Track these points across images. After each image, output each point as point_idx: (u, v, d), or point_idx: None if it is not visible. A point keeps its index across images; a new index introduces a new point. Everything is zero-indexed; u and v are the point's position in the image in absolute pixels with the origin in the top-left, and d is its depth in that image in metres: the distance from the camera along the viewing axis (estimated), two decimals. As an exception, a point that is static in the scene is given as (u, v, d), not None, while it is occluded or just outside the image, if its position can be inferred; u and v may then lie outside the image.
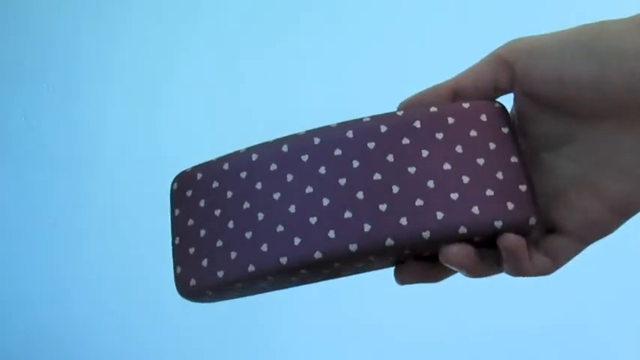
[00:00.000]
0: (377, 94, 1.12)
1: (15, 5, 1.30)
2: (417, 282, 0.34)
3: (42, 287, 1.31)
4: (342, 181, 0.33)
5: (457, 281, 0.67)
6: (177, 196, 0.37)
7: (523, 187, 0.32)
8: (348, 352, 1.13)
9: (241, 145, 1.17)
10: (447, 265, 0.32)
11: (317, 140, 0.34)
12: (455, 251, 0.31)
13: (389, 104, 1.11)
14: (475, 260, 0.31)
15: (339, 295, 1.14)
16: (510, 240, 0.31)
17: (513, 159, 0.32)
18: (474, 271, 0.32)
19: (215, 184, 0.35)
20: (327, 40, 1.14)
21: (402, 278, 0.33)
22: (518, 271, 0.32)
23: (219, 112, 1.21)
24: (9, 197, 1.32)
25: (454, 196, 0.32)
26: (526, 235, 0.32)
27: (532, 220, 0.31)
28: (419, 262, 0.34)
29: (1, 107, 1.32)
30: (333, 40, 1.14)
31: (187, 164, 1.25)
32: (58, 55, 1.29)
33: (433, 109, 0.34)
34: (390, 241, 0.31)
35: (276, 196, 0.33)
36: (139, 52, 1.26)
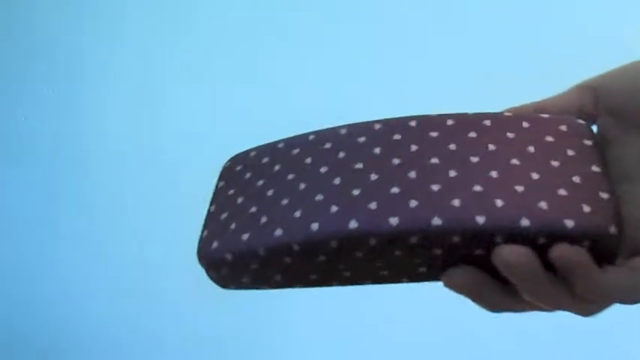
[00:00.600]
0: (379, 95, 1.07)
1: (15, 5, 1.32)
2: (467, 291, 0.28)
3: (43, 287, 1.27)
4: (396, 161, 0.30)
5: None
6: (226, 172, 0.35)
7: (605, 195, 0.27)
8: (352, 353, 1.02)
9: (242, 144, 1.12)
10: (502, 267, 0.27)
11: (378, 126, 0.32)
12: (514, 249, 0.26)
13: (393, 105, 1.06)
14: (537, 269, 0.26)
15: (344, 296, 1.03)
16: (565, 250, 0.26)
17: (595, 168, 0.29)
18: (536, 289, 0.26)
19: (265, 160, 0.34)
20: (328, 40, 1.11)
21: (450, 277, 0.28)
22: (587, 293, 0.26)
23: (220, 112, 1.18)
24: (8, 197, 1.30)
25: (519, 188, 0.28)
26: (606, 253, 0.27)
27: (613, 229, 0.26)
28: (478, 269, 0.29)
29: (1, 107, 1.32)
30: (335, 40, 1.11)
31: (188, 164, 1.21)
32: (58, 55, 1.29)
33: (507, 114, 0.32)
34: (436, 221, 0.27)
35: (323, 169, 0.31)
36: (140, 51, 1.25)
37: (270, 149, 0.34)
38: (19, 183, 1.30)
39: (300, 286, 0.32)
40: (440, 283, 1.04)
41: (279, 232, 0.29)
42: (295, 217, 0.30)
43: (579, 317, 0.95)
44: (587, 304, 0.27)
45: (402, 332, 1.05)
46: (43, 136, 1.29)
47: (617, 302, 0.26)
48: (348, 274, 0.31)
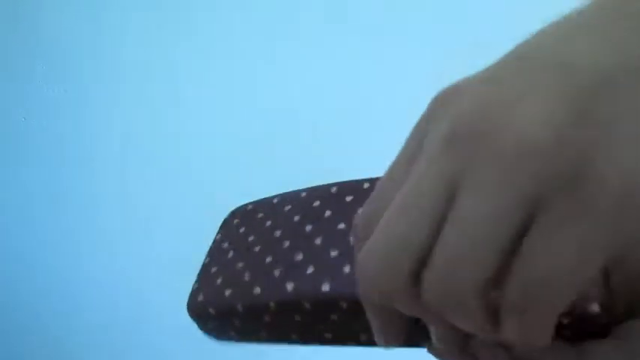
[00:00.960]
0: (379, 96, 1.05)
1: (16, 5, 1.29)
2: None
3: (44, 289, 1.27)
4: None
5: None
6: (225, 224, 0.36)
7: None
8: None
9: (247, 144, 1.11)
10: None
11: (366, 185, 0.32)
12: None
13: (392, 106, 1.03)
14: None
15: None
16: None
17: None
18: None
19: (260, 215, 0.35)
20: (329, 41, 1.08)
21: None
22: None
23: (225, 113, 1.15)
24: (8, 198, 1.30)
25: None
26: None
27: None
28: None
29: (1, 107, 1.30)
30: (335, 41, 1.08)
31: (190, 163, 1.18)
32: (58, 55, 1.26)
33: None
34: None
35: (308, 228, 0.31)
36: (142, 50, 1.21)
37: (265, 204, 0.35)
38: (19, 183, 1.29)
39: (285, 344, 0.32)
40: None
41: (257, 290, 0.30)
42: (274, 275, 0.30)
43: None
44: None
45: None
46: (42, 137, 1.27)
47: None
48: (329, 335, 0.31)
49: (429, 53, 1.03)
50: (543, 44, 0.20)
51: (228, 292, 0.31)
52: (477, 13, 1.01)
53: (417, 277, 0.20)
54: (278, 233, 0.32)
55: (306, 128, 1.10)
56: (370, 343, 0.30)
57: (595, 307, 0.25)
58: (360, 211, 0.23)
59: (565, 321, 0.24)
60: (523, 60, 0.20)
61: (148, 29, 1.21)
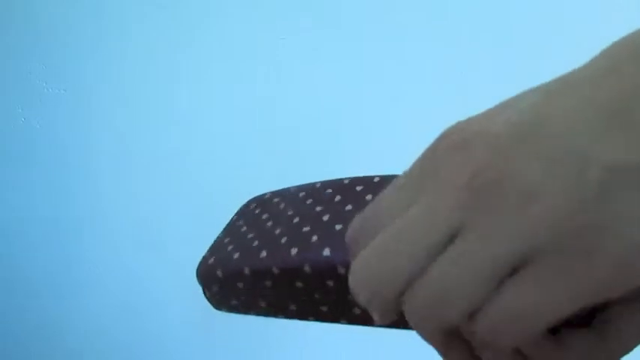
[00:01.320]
0: (384, 93, 1.06)
1: (16, 5, 1.29)
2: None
3: (44, 289, 1.26)
4: None
5: None
6: (243, 209, 0.39)
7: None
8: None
9: (251, 144, 1.13)
10: None
11: (377, 179, 0.35)
12: None
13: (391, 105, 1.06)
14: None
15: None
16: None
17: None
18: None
19: (276, 200, 0.38)
20: (329, 42, 1.10)
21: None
22: None
23: (228, 113, 1.16)
24: (8, 198, 1.29)
25: None
26: None
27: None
28: None
29: (0, 107, 1.29)
30: (340, 39, 1.09)
31: (190, 162, 1.18)
32: (58, 55, 1.27)
33: None
34: None
35: (319, 208, 0.34)
36: (144, 50, 1.21)
37: (282, 192, 0.38)
38: (18, 184, 1.30)
39: (282, 317, 0.34)
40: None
41: (263, 253, 0.32)
42: (281, 242, 0.32)
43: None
44: None
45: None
46: (42, 137, 1.28)
47: None
48: (325, 308, 0.32)
49: (429, 54, 1.06)
50: (556, 119, 0.21)
51: (236, 255, 0.33)
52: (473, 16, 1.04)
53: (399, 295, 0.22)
54: (290, 212, 0.35)
55: (308, 129, 1.13)
56: (364, 317, 0.32)
57: None
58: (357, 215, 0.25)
59: None
60: (537, 127, 0.21)
61: (149, 27, 1.22)
